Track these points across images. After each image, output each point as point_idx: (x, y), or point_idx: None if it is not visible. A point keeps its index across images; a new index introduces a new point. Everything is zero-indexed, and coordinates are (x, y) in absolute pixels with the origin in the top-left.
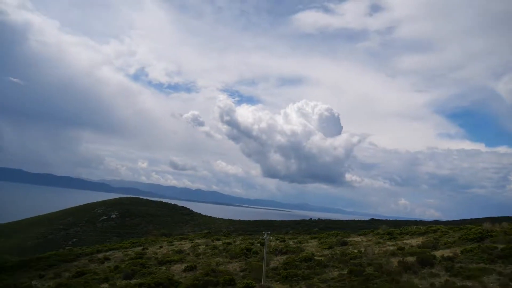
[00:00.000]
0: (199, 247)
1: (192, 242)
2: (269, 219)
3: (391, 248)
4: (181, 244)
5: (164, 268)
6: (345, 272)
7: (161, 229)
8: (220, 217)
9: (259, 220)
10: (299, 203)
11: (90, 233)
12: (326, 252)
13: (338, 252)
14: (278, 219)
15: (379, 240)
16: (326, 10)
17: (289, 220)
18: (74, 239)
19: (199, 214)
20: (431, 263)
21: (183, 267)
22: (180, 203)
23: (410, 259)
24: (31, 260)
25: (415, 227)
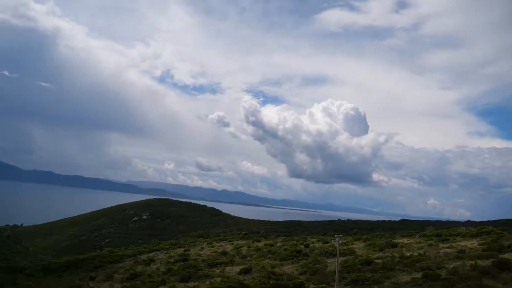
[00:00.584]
0: (241, 248)
1: (233, 244)
2: (297, 219)
3: (448, 250)
4: (222, 245)
5: (217, 270)
6: (419, 276)
7: (197, 229)
8: (248, 217)
9: (288, 221)
10: (325, 203)
11: (123, 233)
12: (379, 254)
13: (396, 255)
14: (305, 219)
15: (430, 242)
16: (351, 8)
17: (318, 221)
18: (107, 240)
19: (228, 215)
20: (509, 267)
21: (238, 270)
22: (206, 204)
23: (481, 262)
24: (76, 261)
25: (464, 228)
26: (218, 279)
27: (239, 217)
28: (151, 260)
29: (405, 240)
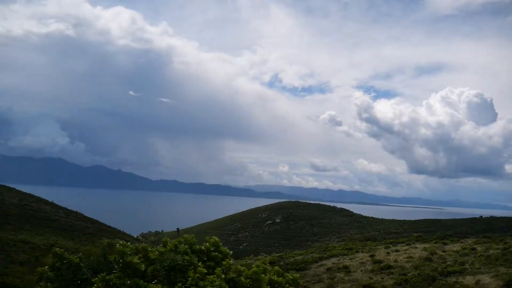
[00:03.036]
0: (437, 253)
1: (416, 247)
2: (429, 218)
3: None
4: (407, 249)
5: (462, 280)
6: None
7: (332, 232)
8: (379, 217)
9: (427, 220)
10: (450, 200)
11: (258, 237)
12: None
13: None
14: (432, 217)
15: None
16: None
17: (461, 219)
18: (245, 244)
19: (360, 215)
20: None
21: (488, 280)
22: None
23: None
24: None
25: None
26: None
27: (372, 217)
28: (345, 268)
29: None
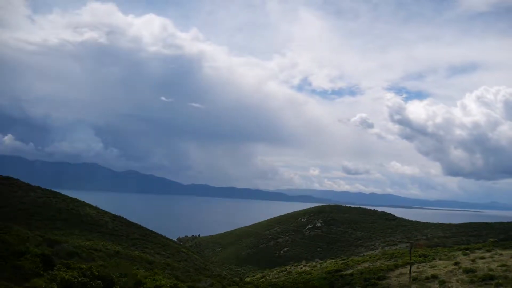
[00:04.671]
0: None
1: (501, 254)
2: (471, 221)
3: None
4: (493, 256)
5: None
6: None
7: (376, 236)
8: (423, 221)
9: (474, 223)
10: (487, 202)
11: (299, 242)
12: None
13: None
14: (472, 220)
15: None
16: None
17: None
18: (285, 248)
19: (403, 218)
20: None
21: None
22: None
23: None
24: (334, 276)
25: None
26: None
27: (416, 221)
28: (434, 277)
29: None
